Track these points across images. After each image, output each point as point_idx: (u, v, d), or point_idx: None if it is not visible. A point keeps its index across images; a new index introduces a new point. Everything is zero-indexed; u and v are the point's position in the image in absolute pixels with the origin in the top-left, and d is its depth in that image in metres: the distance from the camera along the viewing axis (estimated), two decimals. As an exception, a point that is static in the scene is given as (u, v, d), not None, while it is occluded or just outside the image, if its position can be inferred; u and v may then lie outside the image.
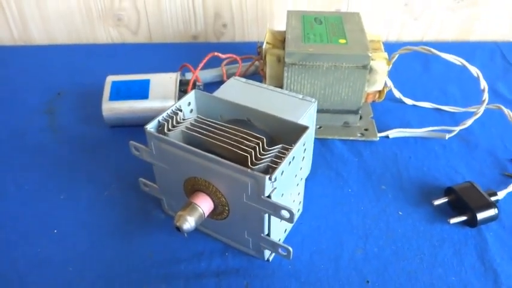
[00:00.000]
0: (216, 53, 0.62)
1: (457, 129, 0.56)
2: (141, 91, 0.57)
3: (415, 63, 0.73)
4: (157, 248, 0.43)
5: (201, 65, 0.60)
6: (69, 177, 0.51)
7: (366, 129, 0.58)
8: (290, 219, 0.35)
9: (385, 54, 0.55)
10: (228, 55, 0.64)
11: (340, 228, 0.45)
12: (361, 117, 0.59)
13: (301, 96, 0.45)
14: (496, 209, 0.44)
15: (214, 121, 0.41)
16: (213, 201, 0.39)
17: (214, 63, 0.64)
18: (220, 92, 0.46)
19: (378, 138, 0.57)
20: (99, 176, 0.51)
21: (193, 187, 0.40)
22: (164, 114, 0.42)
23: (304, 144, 0.41)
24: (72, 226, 0.46)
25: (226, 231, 0.42)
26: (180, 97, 0.56)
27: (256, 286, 0.40)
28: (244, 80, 0.48)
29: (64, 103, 0.64)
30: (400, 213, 0.47)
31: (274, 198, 0.36)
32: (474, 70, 0.52)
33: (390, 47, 0.59)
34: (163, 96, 0.57)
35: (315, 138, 0.49)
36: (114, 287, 0.40)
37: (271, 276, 0.41)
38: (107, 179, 0.51)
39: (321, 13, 0.62)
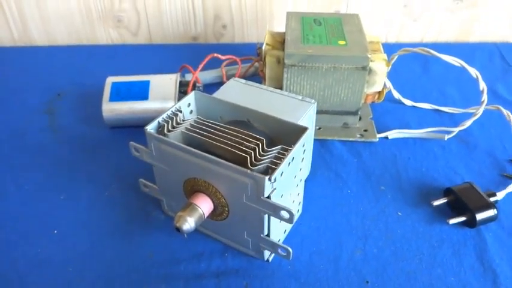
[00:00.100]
0: (215, 54, 0.62)
1: (456, 130, 0.56)
2: (141, 92, 0.58)
3: (415, 65, 0.73)
4: (157, 248, 0.43)
5: (200, 66, 0.60)
6: (69, 177, 0.52)
7: (365, 130, 0.58)
8: (290, 220, 0.36)
9: (385, 56, 0.55)
10: (227, 56, 0.64)
11: (339, 228, 0.45)
12: (360, 118, 0.59)
13: (300, 98, 0.46)
14: (495, 210, 0.45)
15: (214, 122, 0.41)
16: (213, 202, 0.39)
17: (214, 64, 0.65)
18: (220, 93, 0.46)
19: (377, 139, 0.57)
20: (99, 176, 0.52)
21: (193, 188, 0.40)
22: (164, 115, 0.42)
23: (303, 145, 0.41)
24: (72, 226, 0.46)
25: (226, 231, 0.43)
26: (180, 98, 0.56)
27: (255, 286, 0.40)
28: (243, 81, 0.49)
29: (64, 104, 0.64)
30: (399, 213, 0.47)
31: (274, 199, 0.36)
32: (473, 71, 0.52)
33: (389, 48, 0.59)
34: (163, 97, 0.57)
35: (315, 139, 0.49)
36: (114, 287, 0.40)
37: (270, 276, 0.41)
38: (107, 179, 0.51)
39: (320, 14, 0.62)
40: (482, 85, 0.53)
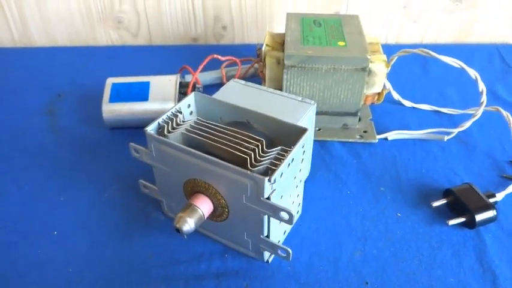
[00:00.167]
0: (215, 55, 0.62)
1: (456, 131, 0.56)
2: (141, 93, 0.58)
3: (414, 66, 0.73)
4: (157, 249, 0.43)
5: (200, 67, 0.60)
6: (69, 178, 0.52)
7: (364, 131, 0.58)
8: (289, 221, 0.36)
9: (384, 57, 0.55)
10: (227, 57, 0.64)
11: (339, 230, 0.46)
12: (360, 119, 0.59)
13: (300, 99, 0.46)
14: (494, 211, 0.45)
15: (214, 123, 0.41)
16: (213, 203, 0.39)
17: (214, 65, 0.65)
18: (220, 94, 0.47)
19: (377, 140, 0.57)
20: (99, 177, 0.52)
21: (193, 189, 0.40)
22: (164, 116, 0.42)
23: (303, 146, 0.41)
24: (72, 227, 0.46)
25: (225, 232, 0.43)
26: (179, 99, 0.56)
27: (255, 287, 0.40)
28: (243, 82, 0.49)
29: (64, 104, 0.64)
30: (399, 214, 0.47)
31: (274, 200, 0.36)
32: (472, 72, 0.52)
33: (389, 50, 0.60)
34: (163, 98, 0.57)
35: (314, 140, 0.49)
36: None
37: (270, 277, 0.41)
38: (107, 180, 0.51)
39: (320, 15, 0.62)
40: (482, 86, 0.53)
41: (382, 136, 0.57)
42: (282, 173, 0.36)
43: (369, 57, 0.52)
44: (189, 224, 0.37)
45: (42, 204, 0.48)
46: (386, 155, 0.55)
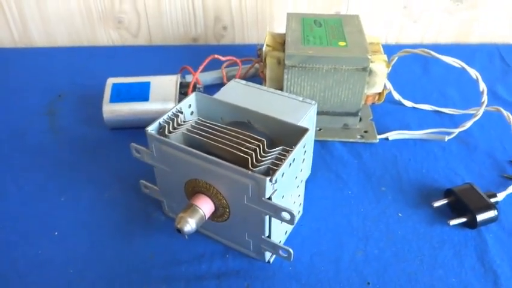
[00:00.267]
0: (216, 56, 0.62)
1: (457, 131, 0.56)
2: (141, 93, 0.58)
3: (415, 66, 0.73)
4: (157, 249, 0.43)
5: (201, 67, 0.60)
6: (69, 178, 0.52)
7: (365, 131, 0.58)
8: (291, 221, 0.36)
9: (385, 57, 0.55)
10: (228, 57, 0.64)
11: (340, 230, 0.45)
12: (360, 119, 0.59)
13: (301, 99, 0.46)
14: (495, 211, 0.45)
15: (215, 123, 0.41)
16: (214, 203, 0.39)
17: (214, 65, 0.65)
18: (221, 94, 0.46)
19: (378, 140, 0.57)
20: (99, 177, 0.52)
21: (194, 189, 0.40)
22: (165, 117, 0.42)
23: (304, 146, 0.41)
24: (72, 227, 0.46)
25: (226, 233, 0.43)
26: (180, 99, 0.56)
27: (256, 288, 0.40)
28: (244, 82, 0.49)
29: (65, 105, 0.64)
30: (400, 215, 0.47)
31: (275, 200, 0.36)
32: (473, 72, 0.52)
33: (389, 50, 0.60)
34: (163, 98, 0.57)
35: (315, 140, 0.49)
36: (115, 288, 0.40)
37: (271, 278, 0.41)
38: (107, 180, 0.51)
39: (320, 16, 0.62)
40: (482, 86, 0.53)
41: (383, 136, 0.57)
42: (283, 173, 0.36)
43: (369, 57, 0.52)
44: (190, 225, 0.37)
45: (42, 204, 0.48)
46: (387, 155, 0.55)
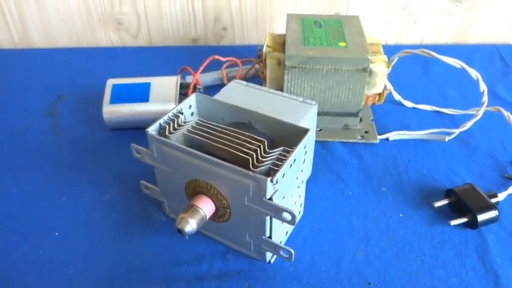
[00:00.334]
0: (216, 56, 0.62)
1: (457, 131, 0.56)
2: (141, 94, 0.58)
3: (415, 66, 0.73)
4: (158, 250, 0.43)
5: (201, 68, 0.60)
6: (70, 179, 0.52)
7: (366, 132, 0.58)
8: (292, 222, 0.36)
9: (385, 57, 0.55)
10: (228, 58, 0.64)
11: (341, 230, 0.45)
12: (361, 120, 0.59)
13: (301, 99, 0.46)
14: (496, 211, 0.45)
15: (215, 124, 0.41)
16: (215, 204, 0.39)
17: (214, 66, 0.65)
18: (221, 95, 0.46)
19: (378, 141, 0.57)
20: (100, 178, 0.52)
21: (194, 190, 0.40)
22: (165, 117, 0.42)
23: (305, 147, 0.41)
24: (73, 228, 0.46)
25: (227, 233, 0.43)
26: (180, 100, 0.56)
27: (257, 288, 0.40)
28: (244, 83, 0.49)
29: (65, 106, 0.64)
30: (401, 215, 0.47)
31: (276, 201, 0.36)
32: (474, 73, 0.52)
33: (389, 50, 0.60)
34: (163, 99, 0.57)
35: (315, 141, 0.49)
36: (116, 289, 0.40)
37: (272, 278, 0.41)
38: (107, 181, 0.51)
39: (320, 16, 0.62)
40: (483, 86, 0.53)
41: (383, 136, 0.57)
42: (284, 174, 0.36)
43: (369, 57, 0.52)
44: (191, 225, 0.37)
45: (42, 204, 0.48)
46: (387, 156, 0.55)
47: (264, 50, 0.56)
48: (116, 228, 0.46)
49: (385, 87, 0.57)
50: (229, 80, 0.64)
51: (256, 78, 0.65)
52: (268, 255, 0.42)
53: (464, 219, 0.45)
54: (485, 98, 0.54)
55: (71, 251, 0.43)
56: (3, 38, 0.80)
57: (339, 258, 0.43)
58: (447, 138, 0.57)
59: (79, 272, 0.42)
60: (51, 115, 0.63)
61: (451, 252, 0.43)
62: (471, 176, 0.52)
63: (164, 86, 0.59)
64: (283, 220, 0.36)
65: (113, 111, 0.57)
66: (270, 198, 0.36)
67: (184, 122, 0.42)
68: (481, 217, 0.44)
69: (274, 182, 0.35)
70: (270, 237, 0.39)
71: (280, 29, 0.78)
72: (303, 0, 0.77)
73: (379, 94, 0.57)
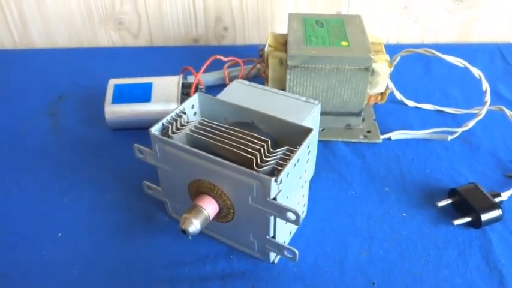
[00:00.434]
0: (218, 56, 0.62)
1: (460, 130, 0.56)
2: (143, 94, 0.57)
3: (417, 66, 0.73)
4: (161, 250, 0.43)
5: (203, 68, 0.60)
6: (71, 179, 0.51)
7: (368, 131, 0.58)
8: (296, 221, 0.35)
9: (387, 57, 0.55)
10: (229, 58, 0.64)
11: (344, 230, 0.45)
12: (363, 120, 0.59)
13: (304, 99, 0.45)
14: (500, 210, 0.44)
15: (218, 124, 0.41)
16: (218, 204, 0.39)
17: (216, 66, 0.64)
18: (224, 95, 0.46)
19: (381, 140, 0.57)
20: (102, 178, 0.51)
21: (198, 190, 0.40)
22: (168, 117, 0.42)
23: (308, 147, 0.41)
24: (75, 228, 0.46)
25: (231, 233, 0.42)
26: (182, 100, 0.56)
27: (261, 289, 0.40)
28: (247, 82, 0.49)
29: (66, 106, 0.64)
30: (404, 215, 0.47)
31: (280, 201, 0.36)
32: (476, 72, 0.52)
33: (390, 50, 0.59)
34: (165, 99, 0.57)
35: (318, 141, 0.49)
36: (119, 290, 0.40)
37: (276, 278, 0.41)
38: (109, 181, 0.51)
39: (322, 16, 0.62)
40: (486, 85, 0.53)
41: (386, 136, 0.57)
42: (288, 174, 0.36)
43: (372, 57, 0.52)
44: (194, 225, 0.37)
45: (44, 205, 0.48)
46: (390, 155, 0.55)
47: (265, 49, 0.56)
48: (119, 229, 0.46)
49: (387, 86, 0.57)
50: (231, 79, 0.64)
51: (258, 78, 0.64)
52: (272, 255, 0.41)
53: (467, 219, 0.45)
54: (488, 97, 0.53)
55: (74, 252, 0.43)
56: (4, 38, 0.80)
57: (343, 258, 0.43)
58: (450, 138, 0.56)
59: (81, 272, 0.41)
60: (53, 115, 0.62)
61: (455, 252, 0.43)
62: (474, 176, 0.52)
63: (166, 86, 0.58)
64: (288, 220, 0.36)
65: (114, 111, 0.57)
66: (274, 198, 0.36)
67: (187, 122, 0.42)
68: (484, 216, 0.44)
69: (279, 181, 0.35)
70: (274, 237, 0.39)
71: (281, 28, 0.78)
72: (304, -1, 0.77)
73: (382, 93, 0.57)
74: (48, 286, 0.40)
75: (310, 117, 0.44)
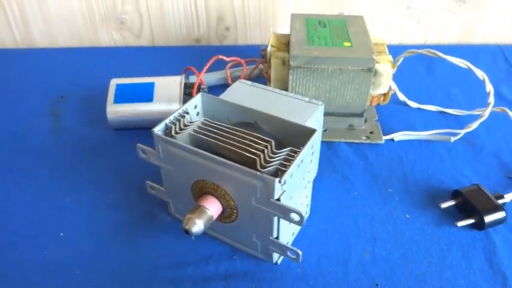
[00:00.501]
0: (220, 56, 0.62)
1: (462, 132, 0.56)
2: (145, 94, 0.57)
3: (419, 66, 0.73)
4: (164, 251, 0.43)
5: (205, 68, 0.60)
6: (73, 179, 0.51)
7: (371, 132, 0.58)
8: (299, 222, 0.35)
9: (390, 57, 0.55)
10: (232, 58, 0.64)
11: (347, 231, 0.45)
12: (366, 120, 0.59)
13: (307, 99, 0.45)
14: (503, 212, 0.44)
15: (222, 124, 0.41)
16: (222, 204, 0.39)
17: (217, 66, 0.64)
18: (227, 95, 0.46)
19: (383, 141, 0.56)
20: (103, 178, 0.51)
21: (201, 190, 0.40)
22: (171, 117, 0.41)
23: (312, 147, 0.41)
24: (77, 228, 0.45)
25: (234, 234, 0.42)
26: (184, 100, 0.56)
27: (264, 290, 0.40)
28: (250, 82, 0.48)
29: (67, 106, 0.64)
30: (407, 216, 0.47)
31: (283, 201, 0.36)
32: (480, 73, 0.52)
33: (393, 50, 0.59)
34: (168, 99, 0.57)
35: (321, 141, 0.48)
36: (121, 290, 0.40)
37: (279, 279, 0.41)
38: (111, 181, 0.51)
39: (324, 16, 0.62)
40: (489, 87, 0.53)
41: (388, 137, 0.57)
42: (291, 174, 0.36)
43: (375, 57, 0.52)
44: (198, 226, 0.37)
45: (46, 205, 0.48)
46: (392, 156, 0.55)
47: (268, 49, 0.56)
48: (121, 229, 0.45)
49: (390, 87, 0.57)
50: (233, 80, 0.64)
51: (260, 78, 0.64)
52: (275, 256, 0.41)
53: (471, 221, 0.45)
54: (491, 99, 0.53)
55: (75, 252, 0.43)
56: (5, 37, 0.80)
57: (346, 259, 0.42)
58: (452, 139, 0.56)
59: (84, 273, 0.41)
60: (54, 115, 0.62)
61: (458, 253, 0.43)
62: (477, 177, 0.51)
63: (168, 85, 0.58)
64: (291, 221, 0.36)
65: (116, 111, 0.56)
66: (278, 199, 0.36)
67: (190, 122, 0.42)
68: (488, 218, 0.44)
69: (282, 182, 0.35)
70: (277, 238, 0.39)
71: (283, 29, 0.78)
72: (305, 0, 0.77)
73: (384, 94, 0.57)
74: (49, 286, 0.40)
75: (314, 118, 0.43)
